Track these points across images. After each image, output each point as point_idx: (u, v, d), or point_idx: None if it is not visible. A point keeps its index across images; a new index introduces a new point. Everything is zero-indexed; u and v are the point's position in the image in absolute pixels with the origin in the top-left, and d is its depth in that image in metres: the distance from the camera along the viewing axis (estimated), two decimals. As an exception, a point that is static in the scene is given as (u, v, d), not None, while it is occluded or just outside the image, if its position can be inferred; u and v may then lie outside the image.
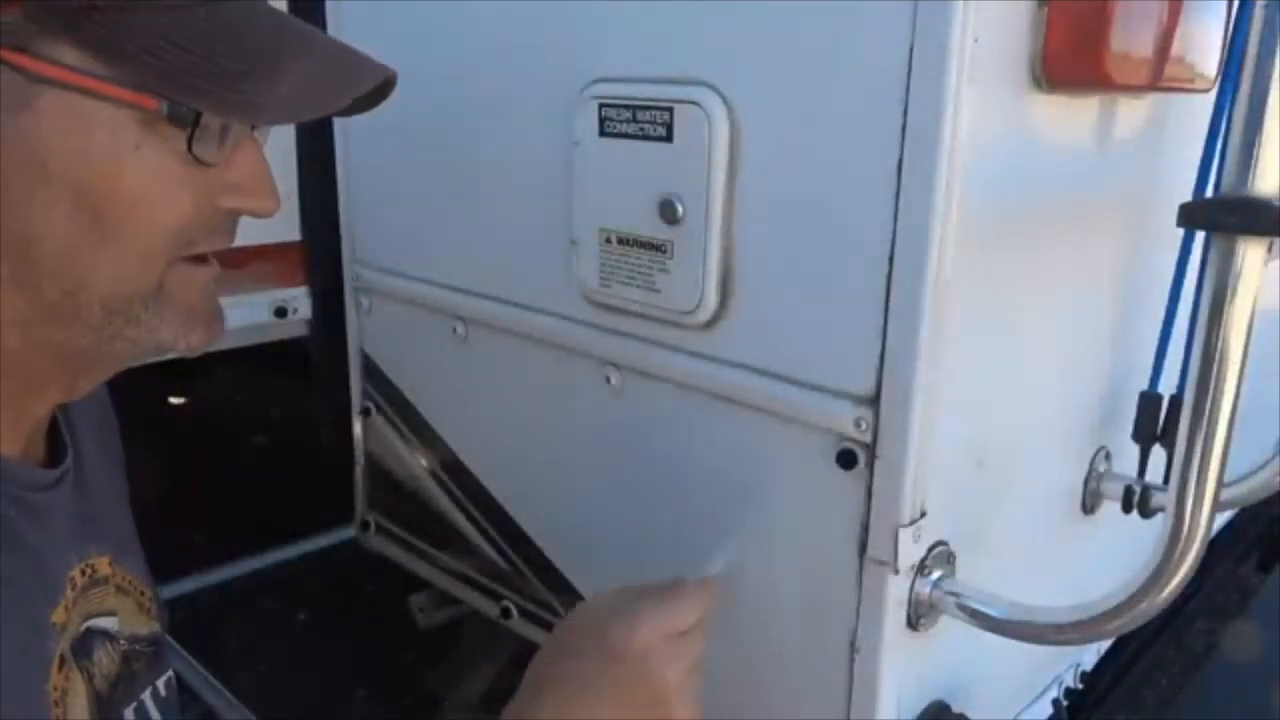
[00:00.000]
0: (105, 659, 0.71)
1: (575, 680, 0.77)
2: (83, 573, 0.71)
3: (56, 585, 0.67)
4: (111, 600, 0.74)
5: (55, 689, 0.64)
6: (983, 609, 0.87)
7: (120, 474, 0.86)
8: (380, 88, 0.65)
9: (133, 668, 0.76)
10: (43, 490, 0.67)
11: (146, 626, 0.79)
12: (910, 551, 0.87)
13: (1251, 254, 0.70)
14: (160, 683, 0.79)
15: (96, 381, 0.70)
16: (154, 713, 0.77)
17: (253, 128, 0.64)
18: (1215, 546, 0.98)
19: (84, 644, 0.69)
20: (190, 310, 0.64)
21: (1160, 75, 0.85)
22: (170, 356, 0.67)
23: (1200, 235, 0.91)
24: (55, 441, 0.72)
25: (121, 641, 0.74)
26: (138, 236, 0.59)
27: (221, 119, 0.59)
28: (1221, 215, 0.70)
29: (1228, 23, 0.90)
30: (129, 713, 0.75)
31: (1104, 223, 1.03)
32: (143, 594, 0.80)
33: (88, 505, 0.74)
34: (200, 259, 0.64)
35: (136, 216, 0.58)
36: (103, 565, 0.74)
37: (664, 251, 0.97)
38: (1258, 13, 0.68)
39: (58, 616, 0.66)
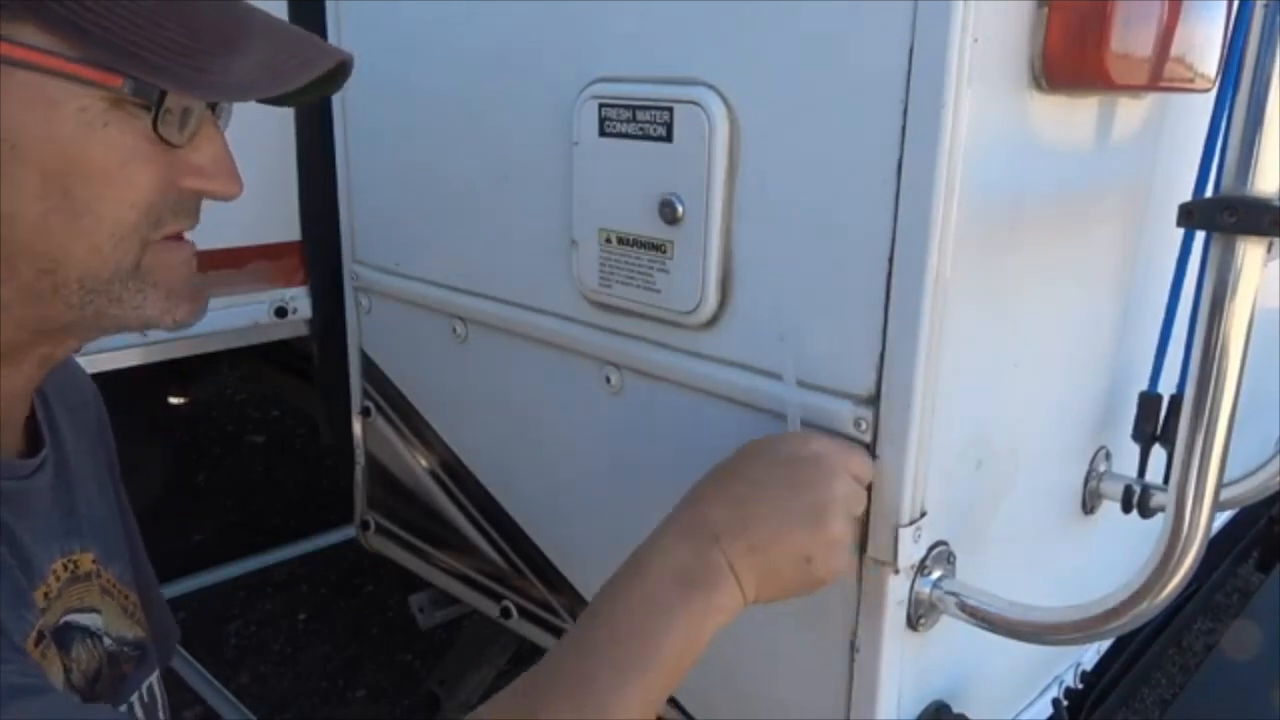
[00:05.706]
0: (84, 655, 0.70)
1: (745, 477, 0.79)
2: (65, 566, 0.70)
3: (37, 569, 0.66)
4: (94, 598, 0.74)
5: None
6: (983, 609, 0.87)
7: (109, 479, 0.85)
8: (336, 73, 0.65)
9: (122, 670, 0.75)
10: (19, 479, 0.67)
11: (132, 630, 0.78)
12: (910, 551, 0.87)
13: (1251, 254, 0.70)
14: (145, 688, 0.79)
15: (71, 349, 0.70)
16: (141, 717, 0.77)
17: (213, 113, 0.65)
18: (1215, 546, 0.98)
19: (62, 637, 0.68)
20: (171, 287, 0.64)
21: (1160, 75, 0.85)
22: (162, 333, 0.67)
23: (1200, 235, 0.91)
24: (33, 434, 0.72)
25: (106, 641, 0.74)
26: (108, 213, 0.59)
27: (184, 96, 0.59)
28: (1221, 215, 0.70)
29: (1228, 23, 0.90)
30: None
31: (1104, 223, 1.02)
32: (127, 598, 0.79)
33: (70, 501, 0.74)
34: (175, 238, 0.65)
35: (106, 194, 0.59)
36: (85, 561, 0.73)
37: (664, 251, 0.97)
38: (1258, 13, 0.68)
39: (38, 596, 0.65)
